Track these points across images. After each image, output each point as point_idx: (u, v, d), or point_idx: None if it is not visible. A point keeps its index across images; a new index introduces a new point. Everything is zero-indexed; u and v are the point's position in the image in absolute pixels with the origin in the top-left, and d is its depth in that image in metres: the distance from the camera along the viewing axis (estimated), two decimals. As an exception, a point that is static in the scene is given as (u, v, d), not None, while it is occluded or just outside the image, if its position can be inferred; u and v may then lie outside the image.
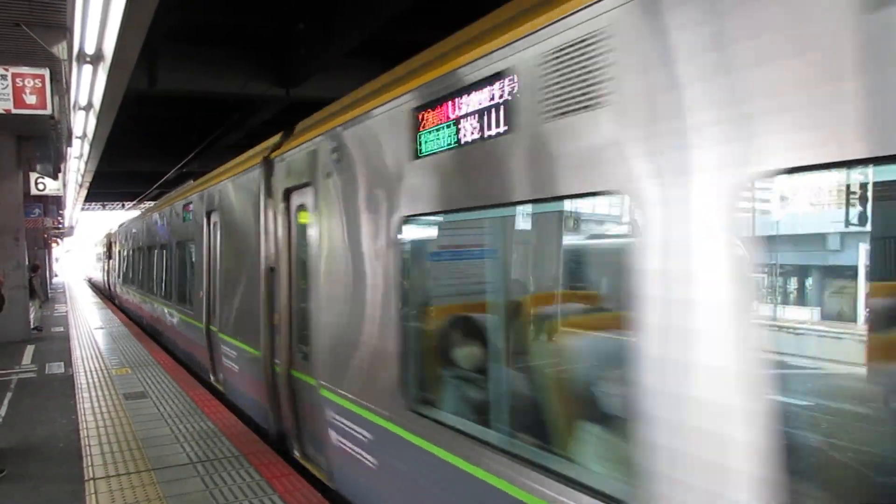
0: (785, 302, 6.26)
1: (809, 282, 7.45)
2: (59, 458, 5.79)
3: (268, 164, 6.06)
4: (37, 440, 6.40)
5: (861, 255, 5.46)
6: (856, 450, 2.46)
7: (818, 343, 4.70)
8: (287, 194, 5.67)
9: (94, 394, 8.13)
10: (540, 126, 2.67)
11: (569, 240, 3.58)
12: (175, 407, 7.40)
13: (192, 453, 5.70)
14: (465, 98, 3.15)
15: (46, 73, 8.44)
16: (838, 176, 3.00)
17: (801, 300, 6.96)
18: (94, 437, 6.20)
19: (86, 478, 5.14)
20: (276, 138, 6.31)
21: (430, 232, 4.03)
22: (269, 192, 6.01)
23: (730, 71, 1.94)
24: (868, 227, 3.08)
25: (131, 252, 18.48)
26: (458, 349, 3.71)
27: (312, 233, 5.00)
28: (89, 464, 5.45)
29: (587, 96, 2.43)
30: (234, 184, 7.44)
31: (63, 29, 8.03)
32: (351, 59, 11.64)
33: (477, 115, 3.06)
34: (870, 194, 2.94)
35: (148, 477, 5.13)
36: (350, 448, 4.37)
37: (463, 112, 3.16)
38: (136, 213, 24.96)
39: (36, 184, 15.90)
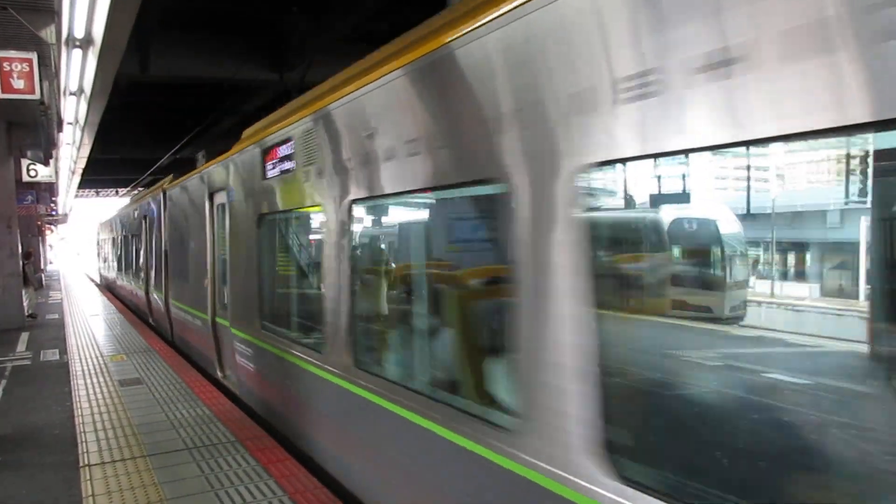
0: None
1: None
2: (54, 446, 5.77)
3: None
4: (31, 428, 6.38)
5: None
6: None
7: None
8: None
9: (89, 381, 8.11)
10: None
11: None
12: (170, 393, 7.40)
13: (188, 439, 5.70)
14: None
15: (34, 57, 8.30)
16: None
17: None
18: (89, 424, 6.19)
19: (81, 464, 5.14)
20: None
21: None
22: None
23: None
24: None
25: None
26: None
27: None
28: (84, 450, 5.44)
29: None
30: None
31: (51, 12, 7.91)
32: (344, 43, 11.53)
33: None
34: None
35: (143, 463, 5.13)
36: None
37: None
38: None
39: (27, 170, 15.77)
